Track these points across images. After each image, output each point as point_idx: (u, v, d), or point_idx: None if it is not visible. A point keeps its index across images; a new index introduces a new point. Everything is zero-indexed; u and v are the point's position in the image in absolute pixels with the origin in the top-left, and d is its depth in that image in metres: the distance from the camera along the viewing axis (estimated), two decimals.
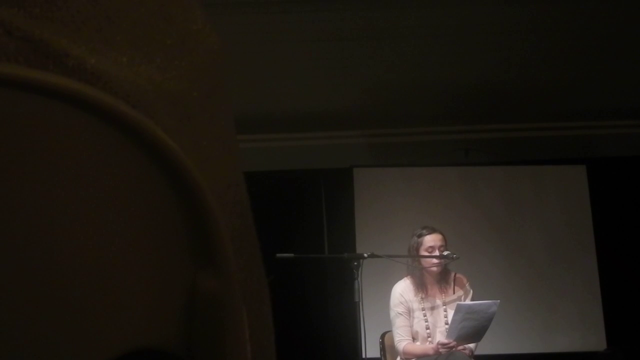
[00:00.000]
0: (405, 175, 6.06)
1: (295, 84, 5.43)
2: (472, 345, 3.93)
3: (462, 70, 5.24)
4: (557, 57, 5.09)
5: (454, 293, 4.08)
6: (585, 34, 4.78)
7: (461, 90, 5.57)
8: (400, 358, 4.00)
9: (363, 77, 5.34)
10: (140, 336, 0.32)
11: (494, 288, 5.30)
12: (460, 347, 3.85)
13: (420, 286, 4.04)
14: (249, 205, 0.39)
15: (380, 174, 6.06)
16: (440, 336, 3.92)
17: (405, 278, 4.13)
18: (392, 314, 4.05)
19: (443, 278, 4.08)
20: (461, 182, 6.05)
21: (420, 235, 4.04)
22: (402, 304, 4.02)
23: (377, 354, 4.24)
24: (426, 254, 4.00)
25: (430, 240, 4.00)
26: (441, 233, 4.07)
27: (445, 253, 3.96)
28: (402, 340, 3.97)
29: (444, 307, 4.03)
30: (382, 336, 4.21)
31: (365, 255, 3.86)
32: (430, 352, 3.85)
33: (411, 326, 4.00)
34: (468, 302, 3.93)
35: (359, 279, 3.79)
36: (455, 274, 4.15)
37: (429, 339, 3.98)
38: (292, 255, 3.99)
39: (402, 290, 4.06)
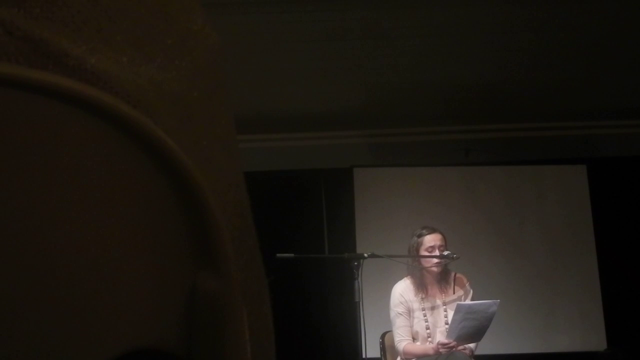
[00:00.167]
0: (405, 175, 6.06)
1: (295, 84, 5.43)
2: (472, 345, 3.93)
3: (462, 70, 5.24)
4: (557, 57, 5.09)
5: (454, 293, 4.08)
6: (585, 34, 4.78)
7: (461, 90, 5.57)
8: (401, 358, 4.00)
9: (363, 77, 5.34)
10: (140, 336, 0.32)
11: (494, 288, 5.30)
12: (461, 347, 3.85)
13: (420, 286, 4.04)
14: (249, 205, 0.39)
15: (380, 174, 6.06)
16: (441, 336, 3.92)
17: (405, 278, 4.13)
18: (392, 314, 4.05)
19: (443, 278, 4.08)
20: (461, 182, 6.05)
21: (420, 235, 4.04)
22: (402, 304, 4.02)
23: (377, 354, 4.24)
24: (426, 254, 4.00)
25: (430, 240, 4.01)
26: (441, 233, 4.07)
27: (445, 253, 3.97)
28: (402, 340, 3.97)
29: (444, 307, 4.03)
30: (382, 336, 4.21)
31: (366, 255, 3.86)
32: (431, 352, 3.85)
33: (411, 326, 4.01)
34: (468, 302, 3.93)
35: (359, 279, 3.79)
36: (455, 274, 4.15)
37: (429, 339, 3.98)
38: (292, 255, 4.00)
39: (402, 290, 4.06)
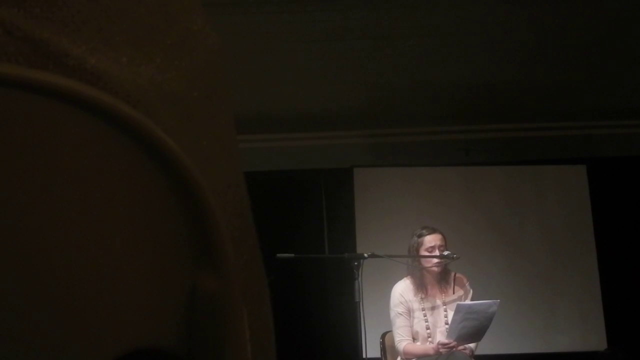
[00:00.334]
0: (405, 175, 6.06)
1: (295, 84, 5.43)
2: (472, 345, 3.93)
3: (462, 70, 5.24)
4: (557, 57, 5.09)
5: (454, 293, 4.08)
6: (585, 34, 4.78)
7: (461, 90, 5.57)
8: (401, 358, 4.00)
9: (363, 77, 5.34)
10: (140, 336, 0.32)
11: (494, 288, 5.30)
12: (461, 347, 3.85)
13: (421, 286, 4.04)
14: (249, 205, 0.39)
15: (380, 174, 6.06)
16: (441, 336, 3.92)
17: (405, 278, 4.13)
18: (392, 314, 4.05)
19: (443, 278, 4.08)
20: (461, 182, 6.05)
21: (420, 235, 4.04)
22: (402, 304, 4.02)
23: (378, 354, 4.24)
24: (426, 254, 4.00)
25: (431, 240, 4.00)
26: (441, 233, 4.07)
27: (445, 253, 3.97)
28: (402, 341, 3.97)
29: (444, 307, 4.03)
30: (383, 336, 4.21)
31: (366, 255, 3.86)
32: (431, 352, 3.85)
33: (411, 326, 4.00)
34: (468, 302, 3.93)
35: (359, 279, 3.79)
36: (455, 274, 4.15)
37: (429, 339, 3.98)
38: (292, 255, 4.00)
39: (402, 290, 4.06)
